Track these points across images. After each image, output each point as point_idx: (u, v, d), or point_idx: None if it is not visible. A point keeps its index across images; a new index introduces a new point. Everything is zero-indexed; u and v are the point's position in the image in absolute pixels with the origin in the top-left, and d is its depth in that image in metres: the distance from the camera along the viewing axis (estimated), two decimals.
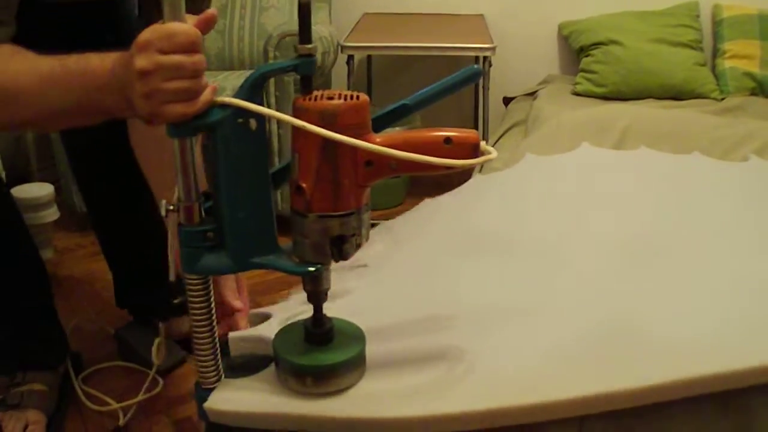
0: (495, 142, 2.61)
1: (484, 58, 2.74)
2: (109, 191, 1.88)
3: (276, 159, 2.57)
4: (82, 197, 2.00)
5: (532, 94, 3.07)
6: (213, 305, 1.00)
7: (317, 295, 1.01)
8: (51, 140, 2.70)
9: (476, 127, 3.29)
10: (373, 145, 0.89)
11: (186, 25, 0.90)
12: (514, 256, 1.35)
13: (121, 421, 1.72)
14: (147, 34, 0.90)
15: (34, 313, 1.74)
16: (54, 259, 2.58)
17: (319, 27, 2.72)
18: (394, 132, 0.95)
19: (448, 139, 0.94)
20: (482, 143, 0.95)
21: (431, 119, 3.22)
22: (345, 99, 0.89)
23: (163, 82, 0.89)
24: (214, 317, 1.00)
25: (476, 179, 1.93)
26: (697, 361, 1.00)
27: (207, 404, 1.01)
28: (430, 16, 3.24)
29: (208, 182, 0.96)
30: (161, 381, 1.83)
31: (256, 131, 0.91)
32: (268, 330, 1.16)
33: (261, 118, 0.91)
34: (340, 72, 3.06)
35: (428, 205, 1.76)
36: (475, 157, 0.94)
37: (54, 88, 1.04)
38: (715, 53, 3.14)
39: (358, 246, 0.97)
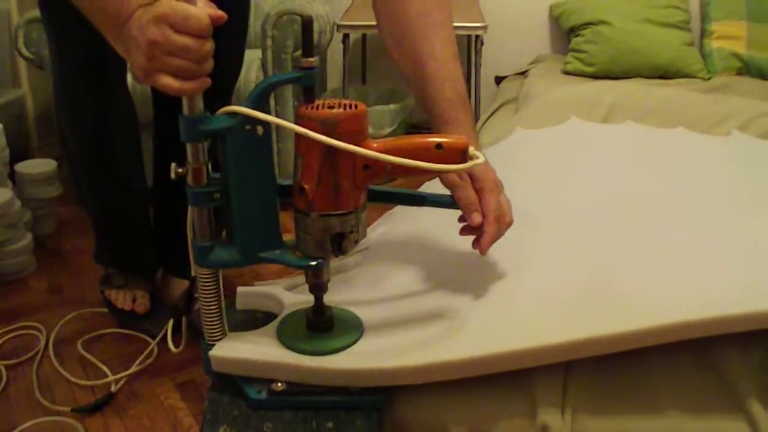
0: (486, 120, 2.65)
1: (476, 36, 2.79)
2: None
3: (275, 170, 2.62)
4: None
5: (523, 73, 3.12)
6: (222, 300, 1.07)
7: (318, 286, 1.08)
8: (52, 119, 2.75)
9: None
10: (370, 151, 0.96)
11: (202, 11, 0.93)
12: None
13: (114, 388, 1.80)
14: (165, 8, 0.93)
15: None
16: (57, 233, 2.65)
17: (315, 6, 2.76)
18: (388, 140, 1.01)
19: (439, 145, 1.00)
20: (470, 148, 1.02)
21: None
22: (345, 108, 0.95)
23: (168, 56, 0.93)
24: (219, 275, 1.06)
25: None
26: (672, 311, 1.05)
27: (211, 352, 1.07)
28: None
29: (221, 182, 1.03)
30: (156, 349, 1.92)
31: (262, 137, 0.98)
32: (274, 288, 1.23)
33: (267, 125, 0.97)
34: (335, 51, 3.10)
35: (427, 186, 1.81)
36: (464, 160, 1.01)
37: None
38: (703, 33, 3.18)
39: (356, 242, 1.03)
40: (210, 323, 1.08)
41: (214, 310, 1.07)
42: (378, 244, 1.45)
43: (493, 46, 3.16)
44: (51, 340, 1.97)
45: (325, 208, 0.99)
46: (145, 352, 1.89)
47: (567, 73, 3.06)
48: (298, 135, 0.97)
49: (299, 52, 2.56)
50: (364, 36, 3.35)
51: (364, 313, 1.15)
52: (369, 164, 0.98)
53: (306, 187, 0.98)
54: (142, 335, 2.00)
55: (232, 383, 1.08)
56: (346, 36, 2.79)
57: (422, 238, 1.44)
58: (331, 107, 0.95)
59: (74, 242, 2.56)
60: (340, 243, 1.01)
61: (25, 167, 2.57)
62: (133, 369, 1.83)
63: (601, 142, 1.87)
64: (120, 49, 1.02)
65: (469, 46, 3.20)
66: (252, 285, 1.29)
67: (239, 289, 1.26)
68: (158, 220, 2.08)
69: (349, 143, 0.94)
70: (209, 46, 0.95)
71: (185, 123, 0.97)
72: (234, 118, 0.96)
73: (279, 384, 1.05)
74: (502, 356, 1.04)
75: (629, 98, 2.34)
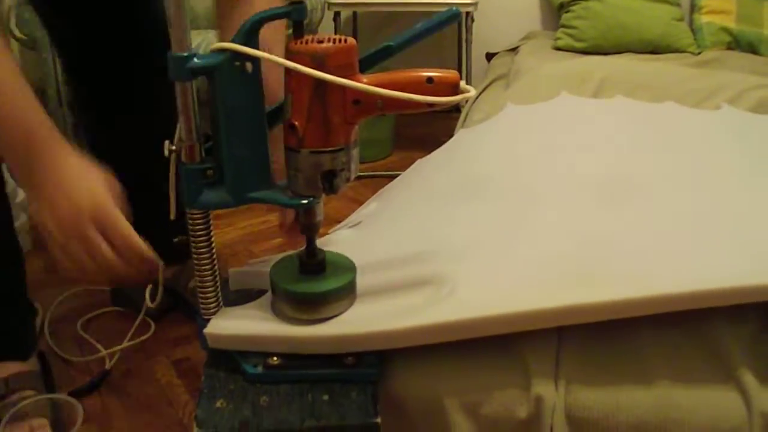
0: (477, 96, 2.66)
1: (467, 13, 2.80)
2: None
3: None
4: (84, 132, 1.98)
5: (514, 50, 3.13)
6: (213, 237, 1.06)
7: (310, 227, 1.08)
8: (45, 99, 2.75)
9: None
10: (360, 84, 0.96)
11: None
12: (497, 198, 1.39)
13: (108, 365, 1.79)
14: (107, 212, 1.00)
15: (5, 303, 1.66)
16: None
17: None
18: (379, 74, 1.02)
19: (430, 79, 0.99)
20: (461, 83, 1.01)
21: None
22: (334, 42, 0.96)
23: (86, 255, 0.95)
24: (214, 249, 1.06)
25: (461, 133, 1.99)
26: (663, 282, 1.05)
27: (206, 329, 1.07)
28: None
29: (209, 123, 1.03)
30: (153, 325, 1.91)
31: (252, 74, 0.97)
32: (266, 266, 1.22)
33: (256, 61, 0.97)
34: (326, 29, 3.10)
35: (419, 163, 1.82)
36: (455, 94, 1.00)
37: None
38: (692, 8, 3.20)
39: (347, 180, 1.03)
40: (205, 293, 1.07)
41: (209, 278, 1.06)
42: (370, 220, 1.45)
43: (484, 22, 3.16)
44: (47, 321, 1.97)
45: (316, 145, 0.99)
46: (134, 326, 1.84)
47: (558, 49, 3.07)
48: (288, 72, 0.97)
49: (291, 30, 2.55)
50: (354, 14, 3.36)
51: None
52: (359, 99, 0.99)
53: (296, 123, 0.98)
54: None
55: (229, 358, 1.08)
56: (337, 14, 2.80)
57: (414, 210, 1.44)
58: (320, 41, 0.95)
59: None
60: (331, 181, 1.01)
61: None
62: (125, 344, 1.82)
63: (592, 116, 1.87)
64: (27, 190, 1.02)
65: (460, 23, 3.21)
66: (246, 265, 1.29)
67: (231, 270, 1.26)
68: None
69: (339, 77, 0.94)
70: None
71: (173, 61, 0.95)
72: (222, 54, 0.96)
73: (274, 358, 1.05)
74: (490, 319, 1.04)
75: (619, 73, 2.34)
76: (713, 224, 1.26)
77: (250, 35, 0.97)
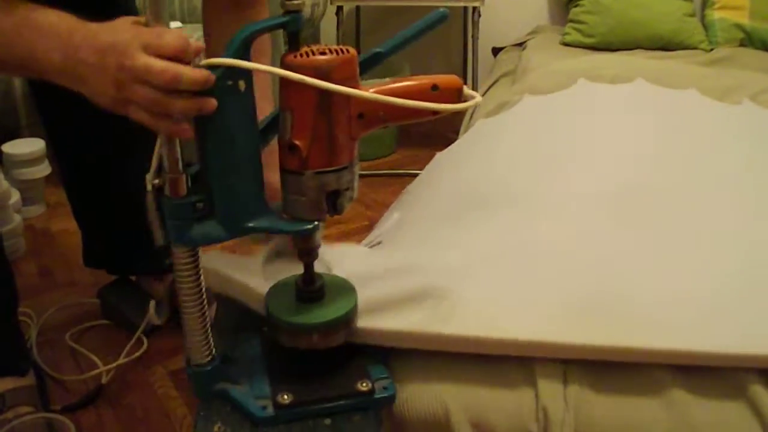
0: (485, 92, 2.61)
1: (474, 8, 2.73)
2: (89, 151, 1.80)
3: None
4: (55, 155, 1.91)
5: (521, 45, 3.06)
6: (202, 278, 0.97)
7: (309, 253, 1.01)
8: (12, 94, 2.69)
9: (465, 77, 3.29)
10: (378, 95, 0.90)
11: (176, 30, 0.85)
12: (515, 208, 1.36)
13: (104, 380, 1.74)
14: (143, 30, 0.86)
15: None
16: (46, 214, 2.58)
17: None
18: (382, 82, 0.96)
19: (434, 86, 0.95)
20: (465, 88, 0.97)
21: (421, 70, 3.21)
22: (336, 53, 0.89)
23: (135, 84, 0.84)
24: (204, 291, 0.98)
25: (480, 123, 1.93)
26: (669, 334, 1.02)
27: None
28: None
29: (195, 149, 0.94)
30: (145, 341, 1.85)
31: (245, 93, 0.89)
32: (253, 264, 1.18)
33: (249, 78, 0.89)
34: (328, 23, 3.05)
35: (438, 158, 1.76)
36: (459, 101, 0.96)
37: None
38: (704, 4, 3.12)
39: (351, 199, 0.97)
40: (194, 340, 0.99)
41: (197, 324, 0.98)
42: (390, 239, 1.40)
43: (490, 16, 3.07)
44: (37, 331, 1.91)
45: (320, 165, 0.92)
46: (129, 345, 1.83)
47: (566, 44, 3.00)
48: (284, 88, 0.90)
49: None
50: (357, 8, 3.29)
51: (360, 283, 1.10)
52: (363, 112, 0.93)
53: (298, 143, 0.91)
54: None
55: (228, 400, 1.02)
56: (339, 8, 2.74)
57: (435, 220, 1.40)
58: (322, 53, 0.89)
59: (63, 223, 2.47)
60: (335, 201, 0.95)
61: (12, 147, 2.52)
62: (121, 360, 1.78)
63: (613, 106, 1.81)
64: (67, 80, 0.93)
65: (466, 18, 3.15)
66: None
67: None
68: (103, 226, 1.94)
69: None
70: (181, 72, 0.84)
71: None
72: (212, 72, 0.86)
73: (284, 396, 0.99)
74: (495, 341, 1.03)
75: (631, 71, 2.27)
76: (732, 262, 1.20)
77: (243, 50, 0.88)
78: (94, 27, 0.92)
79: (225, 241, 0.95)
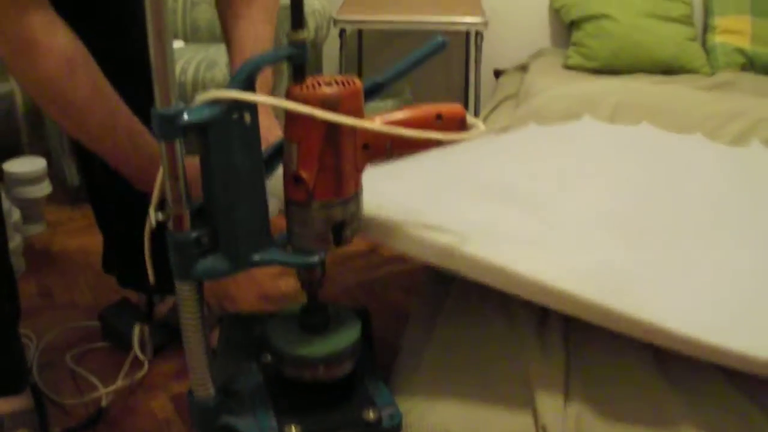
0: (487, 116, 2.61)
1: (477, 32, 2.74)
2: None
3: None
4: (78, 163, 1.93)
5: (524, 67, 3.07)
6: (204, 312, 0.97)
7: (312, 283, 1.01)
8: (42, 115, 2.69)
9: (466, 100, 3.30)
10: (381, 126, 0.90)
11: None
12: (516, 205, 1.36)
13: (104, 403, 1.71)
14: None
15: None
16: (46, 233, 2.57)
17: (312, 0, 2.70)
18: (385, 108, 0.96)
19: (438, 115, 0.96)
20: (468, 116, 0.98)
21: (422, 92, 3.22)
22: (342, 85, 0.89)
23: None
24: (205, 325, 0.98)
25: (485, 139, 1.92)
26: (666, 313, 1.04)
27: None
28: None
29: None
30: (146, 364, 1.82)
31: (250, 126, 0.89)
32: None
33: (254, 111, 0.89)
34: (331, 45, 3.05)
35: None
36: (463, 129, 0.97)
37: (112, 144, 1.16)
38: (706, 28, 3.13)
39: (356, 230, 0.97)
40: (197, 373, 0.99)
41: (200, 357, 0.98)
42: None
43: (492, 38, 3.08)
44: (38, 353, 1.88)
45: (327, 196, 0.92)
46: (125, 365, 1.80)
47: (568, 67, 3.00)
48: (290, 120, 0.90)
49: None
50: (360, 31, 3.29)
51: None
52: (368, 143, 0.93)
53: (304, 175, 0.90)
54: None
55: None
56: (342, 31, 2.74)
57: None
58: (328, 84, 0.89)
59: (64, 242, 2.47)
60: (340, 232, 0.95)
61: (13, 166, 2.50)
62: (120, 383, 1.75)
63: (617, 145, 1.81)
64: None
65: (468, 40, 3.15)
66: None
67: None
68: (116, 242, 1.94)
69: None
70: None
71: (158, 119, 0.85)
72: (217, 106, 0.86)
73: (292, 428, 0.99)
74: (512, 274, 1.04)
75: (633, 97, 2.28)
76: (715, 283, 1.21)
77: (248, 82, 0.88)
78: None
79: (230, 274, 0.94)
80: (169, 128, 0.85)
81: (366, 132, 0.91)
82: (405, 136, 0.90)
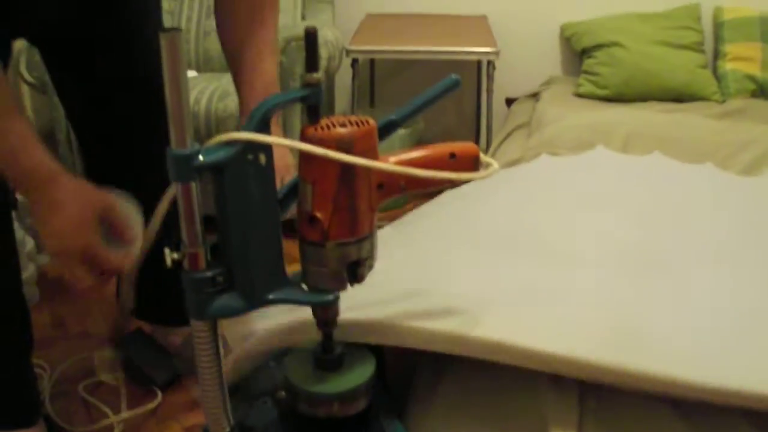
0: (499, 144, 2.62)
1: (488, 61, 2.75)
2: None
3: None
4: None
5: (535, 96, 3.08)
6: (221, 350, 0.97)
7: (328, 322, 1.00)
8: (54, 140, 2.69)
9: (478, 128, 3.31)
10: (396, 166, 0.90)
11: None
12: (531, 255, 1.36)
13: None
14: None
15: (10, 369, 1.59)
16: None
17: (325, 31, 2.72)
18: (400, 155, 0.96)
19: (452, 154, 0.96)
20: (481, 155, 0.97)
21: (434, 121, 3.24)
22: (357, 125, 0.89)
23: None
24: (222, 363, 0.97)
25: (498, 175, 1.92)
26: (684, 364, 1.02)
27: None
28: (433, 17, 3.25)
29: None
30: (159, 394, 1.83)
31: (265, 166, 0.89)
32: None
33: (269, 151, 0.89)
34: (343, 74, 3.06)
35: (447, 196, 1.76)
36: (476, 167, 0.97)
37: None
38: (716, 55, 3.14)
39: (371, 268, 0.97)
40: (213, 411, 0.98)
41: (216, 396, 0.97)
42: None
43: (504, 67, 3.10)
44: (51, 384, 1.89)
45: (342, 236, 0.92)
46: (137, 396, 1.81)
47: (579, 95, 3.01)
48: (305, 161, 0.90)
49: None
50: (372, 60, 3.31)
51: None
52: (383, 182, 0.93)
53: (319, 216, 0.90)
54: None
55: None
56: (354, 61, 2.75)
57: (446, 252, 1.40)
58: (342, 125, 0.89)
59: None
60: (355, 271, 0.95)
61: None
62: (132, 412, 1.76)
63: (630, 178, 1.81)
64: (33, 195, 1.14)
65: (480, 71, 3.16)
66: None
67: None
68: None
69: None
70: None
71: (173, 160, 0.85)
72: (233, 147, 0.87)
73: None
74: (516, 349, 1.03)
75: (645, 127, 2.29)
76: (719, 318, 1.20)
77: (263, 123, 0.88)
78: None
79: (244, 312, 0.94)
80: (185, 169, 0.86)
81: (381, 171, 0.91)
82: (419, 176, 0.91)
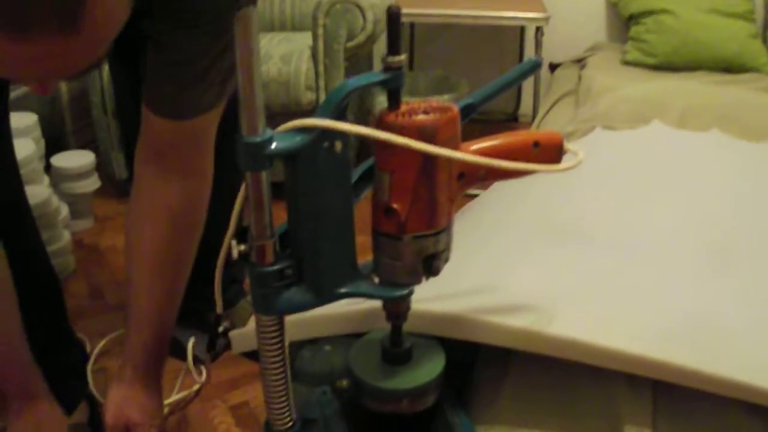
0: (546, 112, 2.56)
1: (537, 27, 2.68)
2: None
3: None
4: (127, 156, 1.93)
5: (579, 61, 3.01)
6: (286, 345, 0.94)
7: (398, 316, 0.96)
8: (87, 103, 2.64)
9: (519, 93, 3.24)
10: (482, 158, 0.84)
11: None
12: (591, 247, 1.32)
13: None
14: None
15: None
16: (95, 228, 2.53)
17: None
18: (482, 143, 0.90)
19: (536, 143, 0.91)
20: (565, 143, 0.93)
21: (477, 85, 3.16)
22: (439, 112, 0.83)
23: None
24: (287, 357, 0.94)
25: None
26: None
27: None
28: None
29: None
30: (204, 373, 1.78)
31: (341, 154, 0.84)
32: None
33: (346, 139, 0.84)
34: (383, 37, 3.00)
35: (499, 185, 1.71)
36: (560, 157, 0.93)
37: None
38: (767, 26, 3.04)
39: (446, 261, 0.92)
40: (276, 405, 0.95)
41: (280, 390, 0.94)
42: None
43: (548, 31, 3.00)
44: (93, 360, 1.82)
45: (420, 229, 0.87)
46: (179, 378, 1.74)
47: (626, 63, 2.93)
48: (382, 149, 0.84)
49: (353, 42, 2.44)
50: (412, 24, 3.23)
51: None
52: (464, 172, 0.88)
53: (397, 207, 0.85)
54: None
55: None
56: None
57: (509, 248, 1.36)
58: (425, 112, 0.83)
59: (112, 239, 2.42)
60: (431, 264, 0.89)
61: (61, 160, 2.44)
62: (178, 395, 1.70)
63: (690, 155, 1.76)
64: None
65: (523, 36, 3.09)
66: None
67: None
68: None
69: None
70: None
71: (245, 147, 0.81)
72: (308, 134, 0.82)
73: None
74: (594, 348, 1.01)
75: (701, 101, 2.21)
76: None
77: (340, 109, 0.82)
78: None
79: (314, 307, 0.90)
80: (257, 157, 0.81)
81: (462, 161, 0.85)
82: (503, 167, 0.85)
